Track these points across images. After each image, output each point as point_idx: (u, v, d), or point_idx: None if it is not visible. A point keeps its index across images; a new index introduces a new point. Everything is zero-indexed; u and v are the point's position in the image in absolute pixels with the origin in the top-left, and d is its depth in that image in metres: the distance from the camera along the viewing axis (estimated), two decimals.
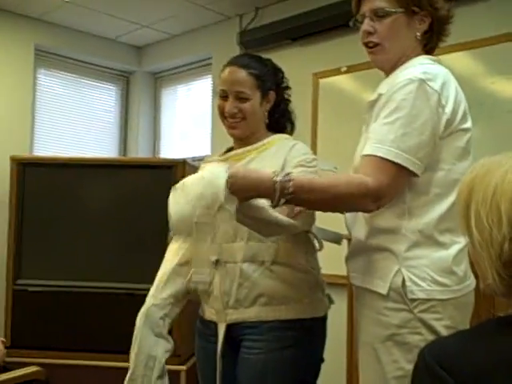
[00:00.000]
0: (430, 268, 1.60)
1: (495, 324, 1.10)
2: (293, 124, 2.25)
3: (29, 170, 4.01)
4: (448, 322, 1.59)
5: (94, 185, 3.94)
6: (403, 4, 1.71)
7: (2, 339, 2.71)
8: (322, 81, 4.13)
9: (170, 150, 5.68)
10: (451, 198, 1.62)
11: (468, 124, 1.70)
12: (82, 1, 4.66)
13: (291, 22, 4.32)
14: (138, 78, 5.78)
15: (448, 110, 1.62)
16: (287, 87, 2.23)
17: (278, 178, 1.58)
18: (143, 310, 2.07)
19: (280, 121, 2.20)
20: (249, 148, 2.09)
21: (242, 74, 2.07)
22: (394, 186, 1.59)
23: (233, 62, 2.13)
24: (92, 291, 3.79)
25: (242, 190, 1.61)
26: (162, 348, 2.03)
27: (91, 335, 3.76)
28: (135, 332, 2.05)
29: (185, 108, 5.65)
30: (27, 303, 3.85)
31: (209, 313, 2.08)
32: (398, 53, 1.75)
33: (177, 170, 3.67)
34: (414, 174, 1.61)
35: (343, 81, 4.11)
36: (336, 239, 2.07)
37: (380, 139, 1.62)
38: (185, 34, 5.27)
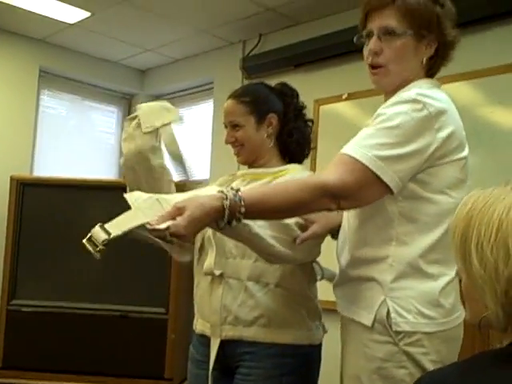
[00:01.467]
0: (416, 300, 1.55)
1: (492, 357, 1.08)
2: (304, 150, 2.21)
3: (28, 190, 4.02)
4: (434, 356, 1.54)
5: (92, 206, 3.94)
6: (414, 26, 1.64)
7: None
8: (323, 107, 4.15)
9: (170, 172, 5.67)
10: (441, 229, 1.57)
11: (464, 153, 1.64)
12: (86, 24, 4.71)
13: (294, 49, 4.36)
14: (140, 101, 5.77)
15: (441, 135, 1.56)
16: (300, 111, 2.21)
17: (227, 202, 1.45)
18: None
19: (289, 145, 2.17)
20: (266, 171, 2.11)
21: (233, 103, 2.15)
22: (359, 189, 1.52)
23: (229, 95, 2.20)
24: (86, 313, 3.76)
25: (194, 223, 1.44)
26: None
27: (84, 357, 3.73)
28: None
29: (186, 131, 5.67)
30: (21, 323, 3.82)
31: (203, 326, 2.06)
32: (401, 76, 1.69)
33: (176, 191, 3.66)
34: (388, 188, 1.53)
35: (344, 108, 4.13)
36: (332, 278, 2.06)
37: (358, 142, 1.56)
38: (188, 59, 5.31)
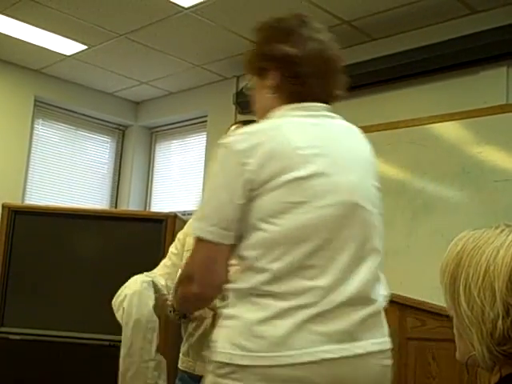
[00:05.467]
0: (237, 329, 1.41)
1: None
2: None
3: (19, 218, 4.01)
4: None
5: (83, 235, 3.94)
6: (254, 71, 1.61)
7: None
8: None
9: (162, 203, 5.71)
10: (279, 261, 1.41)
11: (293, 174, 1.42)
12: (82, 56, 4.78)
13: None
14: (134, 132, 5.86)
15: (252, 167, 1.40)
16: None
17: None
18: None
19: None
20: None
21: None
22: (198, 262, 1.47)
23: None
24: (75, 342, 3.74)
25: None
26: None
27: None
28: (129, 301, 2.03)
29: (178, 163, 5.71)
30: (8, 351, 3.79)
31: (202, 368, 2.00)
32: (262, 115, 1.58)
33: (167, 223, 3.68)
34: (225, 245, 1.45)
35: None
36: None
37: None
38: (182, 92, 5.39)
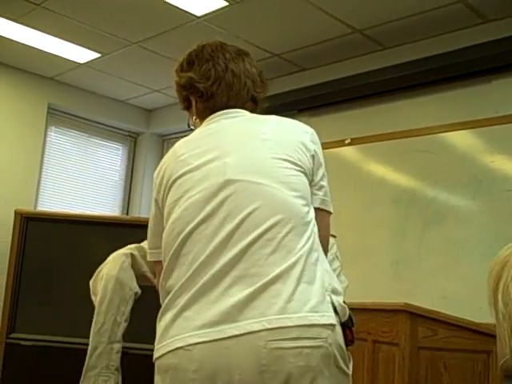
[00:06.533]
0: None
1: None
2: None
3: (32, 225, 4.04)
4: None
5: (94, 242, 3.95)
6: (184, 106, 1.74)
7: None
8: (326, 151, 4.19)
9: None
10: (167, 257, 1.49)
11: (173, 177, 1.54)
12: (95, 64, 4.82)
13: (298, 94, 4.45)
14: (146, 139, 5.89)
15: (156, 189, 1.59)
16: None
17: None
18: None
19: None
20: None
21: None
22: (158, 279, 1.59)
23: None
24: (86, 348, 3.75)
25: None
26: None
27: None
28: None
29: None
30: (19, 357, 3.80)
31: None
32: None
33: None
34: (160, 262, 1.56)
35: (347, 152, 4.20)
36: None
37: None
38: None
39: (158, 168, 1.62)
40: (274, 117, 1.66)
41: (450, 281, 3.52)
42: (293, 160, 1.51)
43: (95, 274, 2.42)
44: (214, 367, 1.32)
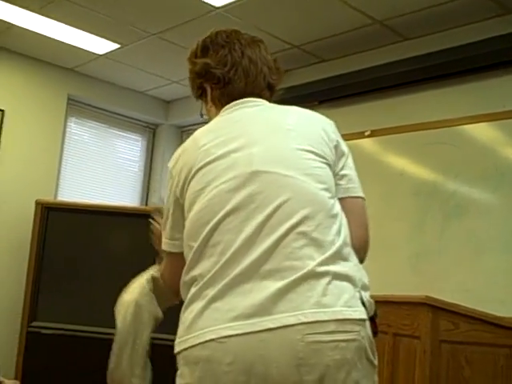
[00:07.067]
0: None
1: None
2: None
3: (52, 214, 4.08)
4: (181, 380, 1.41)
5: (114, 232, 3.99)
6: (196, 95, 1.76)
7: (17, 382, 2.70)
8: (346, 143, 4.20)
9: None
10: (194, 248, 1.47)
11: (196, 167, 1.52)
12: (115, 55, 4.83)
13: (318, 85, 4.43)
14: (164, 131, 5.90)
15: (174, 179, 1.56)
16: None
17: None
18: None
19: None
20: None
21: None
22: (166, 270, 1.65)
23: None
24: (105, 337, 3.77)
25: None
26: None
27: (101, 382, 3.73)
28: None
29: None
30: (40, 345, 3.85)
31: None
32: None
33: None
34: (176, 253, 1.57)
35: (367, 144, 4.18)
36: None
37: None
38: None
39: (175, 158, 1.60)
40: (294, 107, 1.66)
41: (471, 274, 3.49)
42: (317, 151, 1.51)
43: (118, 300, 2.41)
44: (250, 360, 1.31)
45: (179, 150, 1.61)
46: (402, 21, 3.89)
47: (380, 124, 4.07)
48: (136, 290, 2.36)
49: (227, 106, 1.64)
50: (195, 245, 1.45)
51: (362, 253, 1.55)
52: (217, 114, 1.66)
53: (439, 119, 3.87)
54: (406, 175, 3.98)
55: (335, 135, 1.59)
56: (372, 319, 1.45)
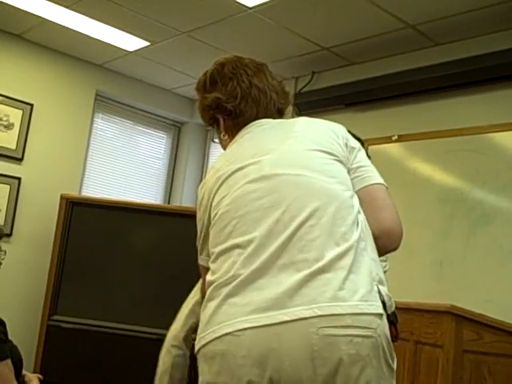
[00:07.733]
0: None
1: None
2: None
3: (77, 209, 4.11)
4: (201, 377, 1.43)
5: (137, 229, 4.01)
6: (208, 123, 1.81)
7: (39, 376, 2.72)
8: (372, 148, 4.15)
9: None
10: (215, 249, 1.53)
11: (218, 175, 1.60)
12: (144, 52, 4.85)
13: (346, 89, 4.40)
14: (189, 129, 5.92)
15: (204, 201, 1.62)
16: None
17: None
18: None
19: None
20: None
21: None
22: (204, 284, 1.60)
23: None
24: (123, 333, 3.80)
25: None
26: None
27: (119, 377, 3.75)
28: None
29: None
30: (59, 339, 3.88)
31: None
32: None
33: None
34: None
35: (393, 149, 4.14)
36: None
37: None
38: None
39: (200, 187, 1.68)
40: (301, 117, 1.71)
41: (496, 284, 3.44)
42: (325, 150, 1.55)
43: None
44: (264, 353, 1.31)
45: (204, 180, 1.69)
46: (435, 26, 3.85)
47: (407, 129, 4.04)
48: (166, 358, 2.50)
49: (240, 133, 1.71)
50: (215, 250, 1.51)
51: (384, 238, 1.54)
52: (230, 141, 1.73)
53: (467, 126, 3.82)
54: (432, 181, 3.94)
55: (345, 134, 1.63)
56: (393, 323, 1.44)
